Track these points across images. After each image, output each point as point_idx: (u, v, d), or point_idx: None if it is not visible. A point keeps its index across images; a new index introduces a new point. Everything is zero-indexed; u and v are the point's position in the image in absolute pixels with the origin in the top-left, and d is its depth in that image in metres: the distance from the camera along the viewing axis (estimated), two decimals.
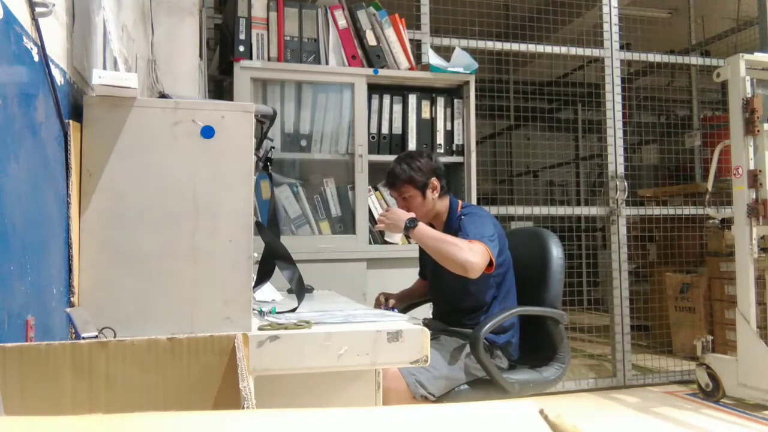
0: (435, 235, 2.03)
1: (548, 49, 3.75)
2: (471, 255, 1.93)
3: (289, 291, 1.91)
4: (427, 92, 3.12)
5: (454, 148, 3.13)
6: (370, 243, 2.94)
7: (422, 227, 2.05)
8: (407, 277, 2.58)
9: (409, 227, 2.04)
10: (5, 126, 0.86)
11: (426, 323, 2.27)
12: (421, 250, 2.43)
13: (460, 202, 2.28)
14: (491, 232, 2.06)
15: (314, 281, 2.25)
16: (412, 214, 2.10)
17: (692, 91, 5.20)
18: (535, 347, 2.23)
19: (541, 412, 0.47)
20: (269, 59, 2.88)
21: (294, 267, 1.55)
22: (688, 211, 4.05)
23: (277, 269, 1.58)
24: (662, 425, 2.99)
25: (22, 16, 0.93)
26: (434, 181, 2.20)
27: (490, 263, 1.99)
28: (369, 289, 2.84)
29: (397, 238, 2.21)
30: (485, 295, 2.16)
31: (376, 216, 2.95)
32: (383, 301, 2.41)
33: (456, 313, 2.21)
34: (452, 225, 2.19)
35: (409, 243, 2.98)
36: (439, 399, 2.01)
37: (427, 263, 2.34)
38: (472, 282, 2.04)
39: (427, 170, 2.19)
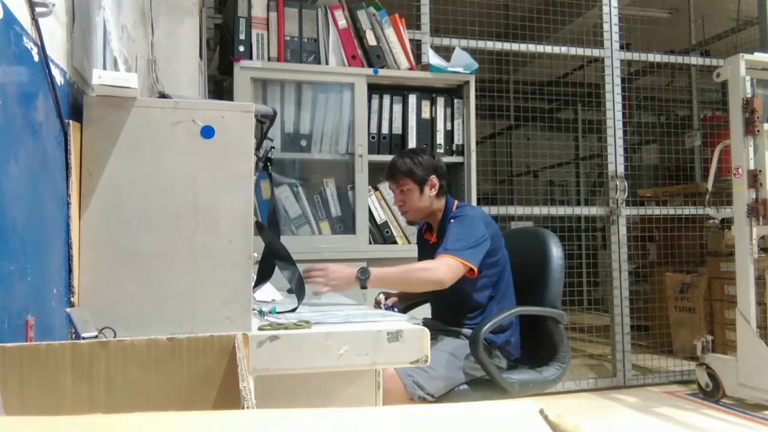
0: (395, 272, 1.99)
1: (548, 49, 3.75)
2: (439, 273, 1.95)
3: (289, 291, 1.91)
4: (427, 92, 3.12)
5: (454, 148, 3.13)
6: (370, 243, 2.94)
7: (376, 273, 1.94)
8: None
9: (363, 279, 1.92)
10: (5, 126, 0.86)
11: (425, 323, 2.28)
12: (420, 249, 2.43)
13: (456, 202, 2.28)
14: (476, 237, 2.05)
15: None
16: (358, 266, 1.96)
17: (692, 91, 5.20)
18: (535, 347, 2.23)
19: (541, 412, 0.47)
20: (269, 59, 2.88)
21: (294, 267, 1.55)
22: (688, 211, 4.05)
23: (277, 269, 1.58)
24: (662, 425, 2.99)
25: (22, 16, 0.93)
26: (434, 179, 2.20)
27: (471, 269, 2.01)
28: (369, 289, 2.84)
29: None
30: (481, 295, 2.16)
31: (375, 216, 2.96)
32: (382, 300, 2.41)
33: (454, 313, 2.21)
34: (445, 225, 2.20)
35: (409, 243, 2.98)
36: (439, 399, 2.01)
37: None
38: (466, 282, 2.05)
39: (428, 167, 2.20)
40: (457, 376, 2.04)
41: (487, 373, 2.00)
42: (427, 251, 2.29)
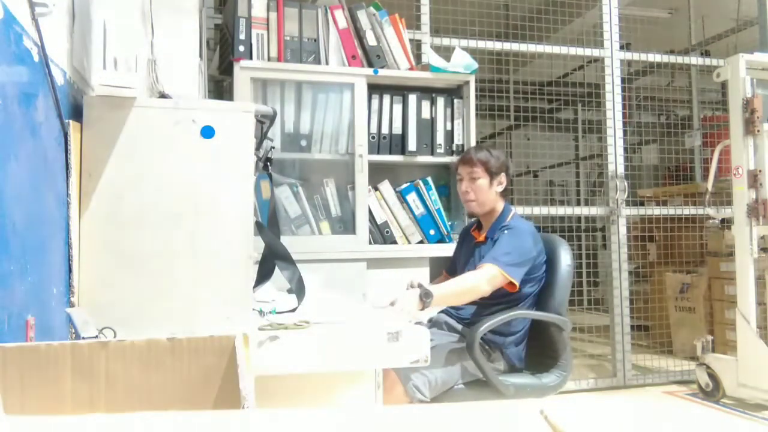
0: (450, 291, 2.06)
1: (548, 49, 3.75)
2: (482, 287, 2.03)
3: (289, 291, 1.91)
4: (427, 92, 3.11)
5: (454, 148, 3.13)
6: (370, 243, 2.94)
7: (437, 296, 2.02)
8: (407, 277, 2.57)
9: (428, 301, 2.00)
10: (5, 126, 0.86)
11: (435, 319, 2.28)
12: (462, 243, 2.45)
13: (513, 211, 2.29)
14: (524, 255, 2.10)
15: (314, 281, 2.25)
16: (417, 290, 2.03)
17: (692, 91, 5.20)
18: (538, 353, 2.22)
19: (542, 412, 0.47)
20: (269, 59, 2.87)
21: (294, 267, 1.55)
22: (688, 211, 4.05)
23: (277, 269, 1.58)
24: (662, 425, 2.99)
25: (22, 16, 0.93)
26: (503, 176, 2.25)
27: (513, 283, 2.06)
28: (369, 289, 2.84)
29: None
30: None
31: (375, 216, 2.96)
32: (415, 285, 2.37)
33: (479, 309, 2.21)
34: (496, 228, 2.22)
35: (409, 243, 2.98)
36: (433, 399, 2.02)
37: (460, 261, 2.39)
38: (503, 294, 2.11)
39: (502, 163, 2.26)
40: (454, 375, 2.05)
41: (482, 374, 2.01)
42: (470, 248, 2.33)
